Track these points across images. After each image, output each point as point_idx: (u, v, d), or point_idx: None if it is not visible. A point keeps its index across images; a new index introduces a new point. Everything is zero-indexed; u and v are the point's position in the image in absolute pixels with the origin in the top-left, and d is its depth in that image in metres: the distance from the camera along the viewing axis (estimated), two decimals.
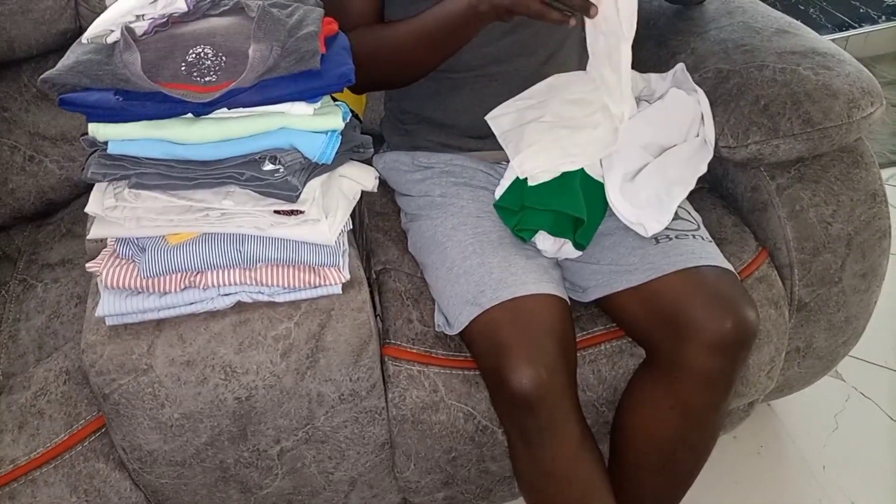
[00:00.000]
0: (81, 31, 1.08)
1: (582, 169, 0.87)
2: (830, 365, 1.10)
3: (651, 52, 1.10)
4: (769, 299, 0.93)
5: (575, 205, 0.84)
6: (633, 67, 0.93)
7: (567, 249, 0.87)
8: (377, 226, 1.04)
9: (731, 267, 0.84)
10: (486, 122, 0.96)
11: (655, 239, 0.85)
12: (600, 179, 0.87)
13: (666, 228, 0.85)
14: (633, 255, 0.85)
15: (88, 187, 1.13)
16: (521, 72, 0.94)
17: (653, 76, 0.99)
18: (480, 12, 0.80)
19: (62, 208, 1.13)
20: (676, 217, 0.86)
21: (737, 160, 0.95)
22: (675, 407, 0.83)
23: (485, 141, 0.98)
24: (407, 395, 0.87)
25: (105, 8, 1.03)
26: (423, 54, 0.89)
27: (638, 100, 0.96)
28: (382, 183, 1.04)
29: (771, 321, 0.92)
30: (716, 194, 1.05)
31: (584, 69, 0.92)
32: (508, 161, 0.95)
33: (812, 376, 1.11)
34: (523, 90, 0.94)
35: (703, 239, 0.86)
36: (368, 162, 0.90)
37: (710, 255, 0.84)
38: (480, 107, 0.96)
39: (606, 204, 0.87)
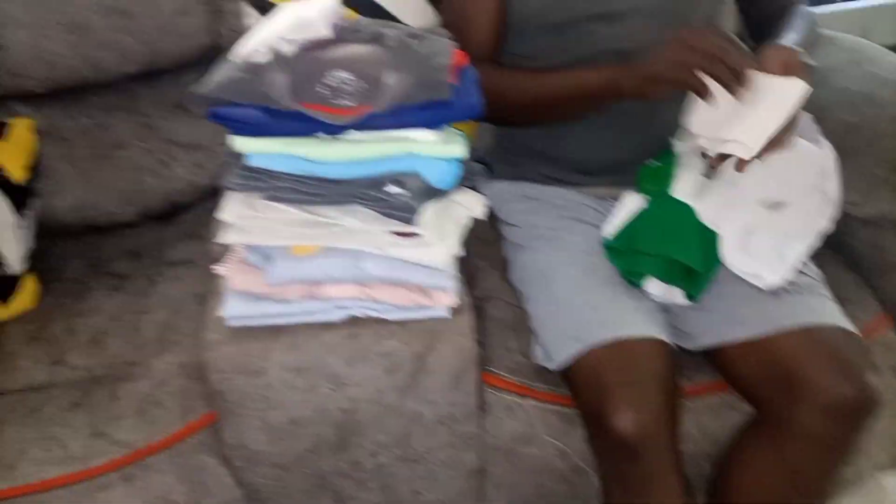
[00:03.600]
0: (220, 46, 1.16)
1: (697, 216, 0.85)
2: None
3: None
4: (889, 366, 0.88)
5: (688, 253, 0.82)
6: None
7: (677, 295, 0.86)
8: (479, 252, 1.05)
9: (854, 328, 0.80)
10: (595, 157, 0.96)
11: (773, 292, 0.82)
12: (716, 229, 0.86)
13: (785, 282, 0.82)
14: (747, 306, 0.82)
15: (212, 193, 1.21)
16: (634, 108, 0.94)
17: None
18: (620, 88, 0.81)
19: (186, 210, 1.20)
20: (796, 272, 0.83)
21: (860, 217, 0.91)
22: (783, 470, 0.79)
23: (593, 177, 0.98)
24: (503, 424, 0.87)
25: (244, 27, 1.11)
26: (549, 111, 0.91)
27: None
28: (488, 211, 1.05)
29: (891, 390, 0.87)
30: (836, 250, 1.00)
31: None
32: (616, 198, 0.95)
33: None
34: (636, 127, 0.94)
35: (823, 295, 0.83)
36: (475, 189, 0.92)
37: (832, 313, 0.80)
38: (592, 142, 0.96)
39: None
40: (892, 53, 1.07)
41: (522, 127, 0.99)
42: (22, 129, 1.12)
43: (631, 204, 0.89)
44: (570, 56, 0.92)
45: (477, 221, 1.04)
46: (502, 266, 1.02)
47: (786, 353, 0.78)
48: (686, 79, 0.76)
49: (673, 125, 0.94)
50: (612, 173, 0.97)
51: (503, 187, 1.04)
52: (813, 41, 0.87)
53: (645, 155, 0.94)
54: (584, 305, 0.84)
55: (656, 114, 0.94)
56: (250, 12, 1.07)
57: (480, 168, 0.97)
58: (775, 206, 0.86)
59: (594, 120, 0.95)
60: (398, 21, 1.10)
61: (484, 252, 1.05)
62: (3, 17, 1.03)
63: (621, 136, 0.94)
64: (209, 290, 1.01)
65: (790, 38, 0.86)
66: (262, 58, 0.75)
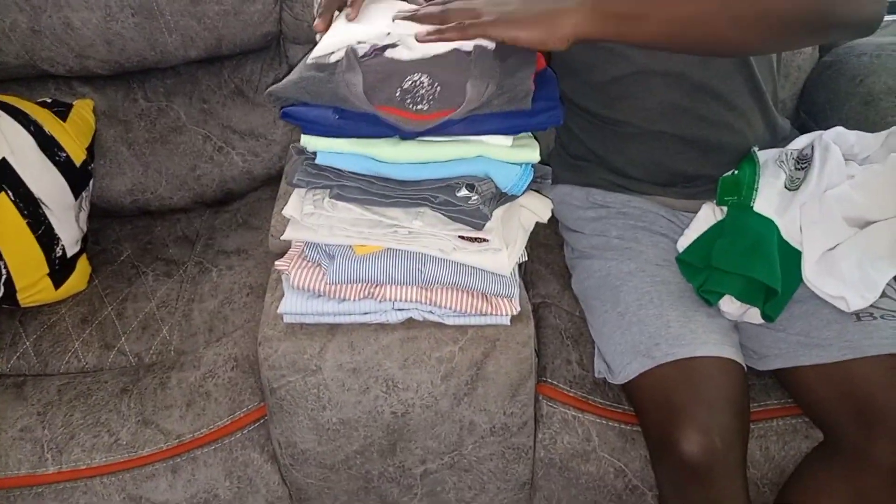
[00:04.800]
0: (282, 34, 1.15)
1: (779, 232, 0.81)
2: None
3: (856, 111, 1.02)
4: None
5: (770, 273, 0.78)
6: (831, 125, 0.88)
7: (752, 314, 0.82)
8: (539, 257, 1.02)
9: None
10: (661, 170, 0.93)
11: (857, 315, 0.78)
12: (798, 247, 0.81)
13: (870, 306, 0.78)
14: (827, 328, 0.78)
15: (265, 181, 1.21)
16: (683, 131, 0.90)
17: (862, 135, 0.92)
18: None
19: (239, 198, 1.19)
20: (883, 295, 0.79)
21: None
22: (851, 501, 0.75)
23: (665, 188, 0.95)
24: (558, 438, 0.84)
25: (309, 16, 1.09)
26: None
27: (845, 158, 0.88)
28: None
29: None
30: None
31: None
32: (690, 209, 0.91)
33: None
34: (688, 148, 0.91)
35: None
36: (539, 192, 0.89)
37: None
38: (650, 159, 0.93)
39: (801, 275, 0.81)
40: None
41: None
42: (84, 110, 1.12)
43: (708, 216, 0.85)
44: (607, 75, 0.90)
45: (538, 225, 1.02)
46: (563, 272, 0.99)
47: (866, 382, 0.74)
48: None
49: (746, 134, 0.90)
50: (683, 184, 0.94)
51: (569, 191, 1.00)
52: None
53: (718, 165, 0.90)
54: (654, 320, 0.81)
55: (705, 137, 0.90)
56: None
57: (549, 170, 0.94)
58: (863, 224, 0.82)
59: (650, 138, 0.92)
60: None
61: (544, 257, 1.02)
62: (75, 0, 1.03)
63: (688, 145, 0.91)
64: (261, 281, 1.00)
65: None
66: (337, 58, 0.73)
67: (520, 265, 0.98)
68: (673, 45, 0.70)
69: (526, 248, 1.03)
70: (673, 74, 0.87)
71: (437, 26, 0.71)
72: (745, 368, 0.80)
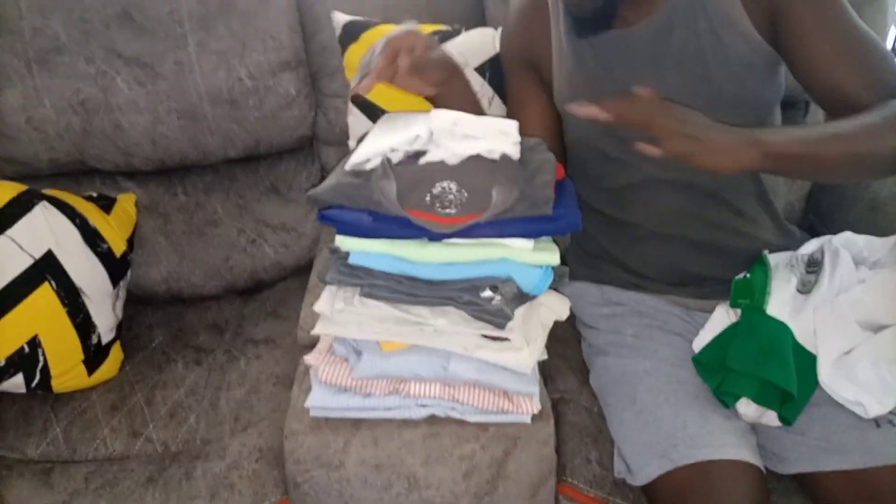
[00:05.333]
0: (316, 137, 1.23)
1: (793, 335, 0.83)
2: None
3: (862, 215, 1.06)
4: None
5: (785, 376, 0.80)
6: (838, 229, 0.91)
7: (770, 416, 0.83)
8: (557, 352, 1.04)
9: None
10: (674, 271, 0.96)
11: (876, 422, 0.79)
12: (813, 351, 0.83)
13: (889, 413, 0.79)
14: (847, 434, 0.79)
15: (295, 272, 1.25)
16: (693, 235, 0.94)
17: (871, 239, 0.95)
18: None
19: (269, 288, 1.24)
20: None
21: None
22: None
23: (678, 288, 0.98)
24: None
25: (343, 122, 1.17)
26: None
27: (854, 262, 0.91)
28: None
29: None
30: None
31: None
32: (704, 310, 0.94)
33: None
34: (699, 251, 0.94)
35: None
36: (558, 289, 0.93)
37: None
38: (663, 261, 0.96)
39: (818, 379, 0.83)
40: None
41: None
42: (127, 204, 1.19)
43: (722, 318, 0.88)
44: (621, 181, 0.94)
45: (556, 321, 1.05)
46: (581, 367, 1.01)
47: (889, 490, 0.74)
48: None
49: (756, 238, 0.93)
50: (695, 285, 0.97)
51: (584, 288, 1.04)
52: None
53: (730, 268, 0.93)
54: (671, 420, 0.82)
55: (715, 241, 0.94)
56: (356, 112, 1.13)
57: (566, 270, 0.98)
58: (876, 328, 0.83)
59: (662, 241, 0.95)
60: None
61: (562, 352, 1.04)
62: (126, 104, 1.11)
63: (699, 248, 0.94)
64: (287, 371, 1.02)
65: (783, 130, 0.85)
66: (373, 165, 0.79)
67: (540, 362, 1.00)
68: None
69: (545, 345, 1.06)
70: (681, 182, 0.91)
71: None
72: (765, 471, 0.81)
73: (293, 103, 1.16)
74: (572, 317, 1.07)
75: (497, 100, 1.09)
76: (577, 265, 1.08)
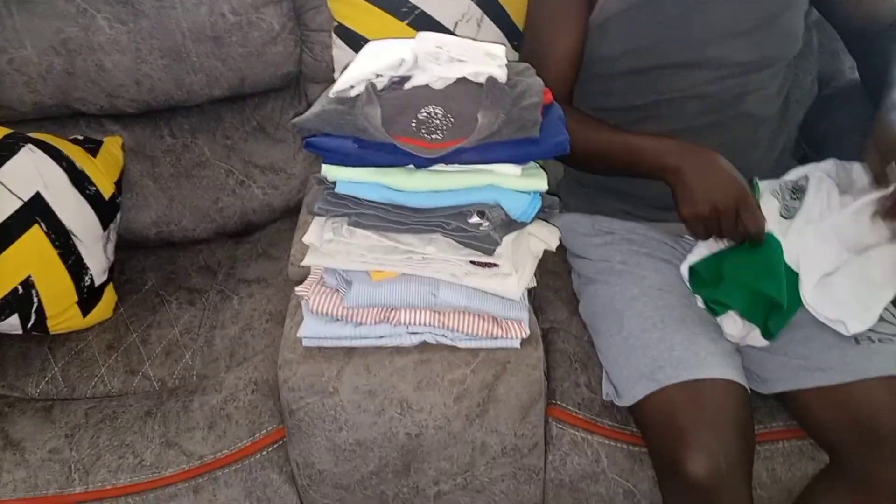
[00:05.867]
0: (302, 74, 1.21)
1: (783, 252, 0.84)
2: None
3: (855, 143, 1.05)
4: None
5: (777, 287, 0.81)
6: (820, 157, 0.92)
7: (754, 337, 0.84)
8: (548, 284, 1.05)
9: None
10: (667, 194, 0.96)
11: (856, 339, 0.80)
12: (797, 270, 0.84)
13: (868, 330, 0.80)
14: (828, 352, 0.80)
15: (284, 213, 1.25)
16: (712, 144, 0.93)
17: (856, 166, 0.95)
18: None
19: (259, 230, 1.24)
20: (881, 319, 0.81)
21: None
22: None
23: (670, 212, 0.97)
24: (568, 460, 0.86)
25: (330, 57, 1.15)
26: (601, 165, 0.92)
27: (843, 189, 0.92)
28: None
29: None
30: None
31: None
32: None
33: None
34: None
35: None
36: (549, 220, 0.93)
37: None
38: (658, 184, 0.96)
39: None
40: None
41: (582, 171, 1.01)
42: (113, 146, 1.18)
43: (710, 244, 0.88)
44: (647, 99, 0.93)
45: (546, 253, 1.05)
46: (571, 298, 1.02)
47: (867, 404, 0.76)
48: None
49: (751, 164, 0.93)
50: None
51: (576, 219, 1.04)
52: None
53: None
54: (658, 343, 0.83)
55: (735, 152, 0.93)
56: (340, 45, 1.11)
57: (557, 200, 0.98)
58: (860, 249, 0.84)
59: None
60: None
61: (553, 284, 1.05)
62: (108, 43, 1.09)
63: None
64: (280, 308, 1.04)
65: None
66: (357, 91, 0.78)
67: (529, 291, 1.01)
68: None
69: (535, 274, 1.07)
70: (710, 98, 0.91)
71: None
72: (749, 391, 0.82)
73: (277, 39, 1.14)
74: (563, 250, 1.07)
75: (487, 21, 1.07)
76: (570, 197, 1.08)
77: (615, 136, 0.88)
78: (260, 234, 1.23)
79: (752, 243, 0.81)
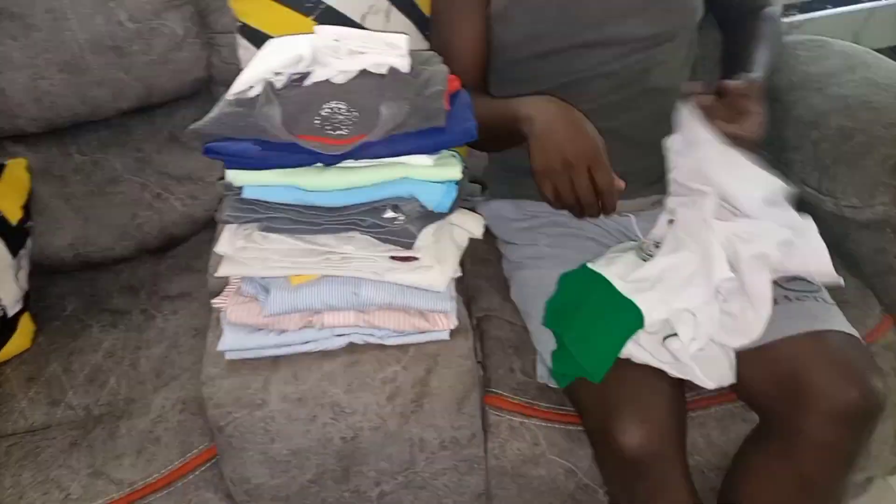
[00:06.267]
0: (212, 79, 1.17)
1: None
2: None
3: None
4: (895, 368, 0.88)
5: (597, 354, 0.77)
6: None
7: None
8: (479, 272, 1.05)
9: (856, 333, 0.80)
10: None
11: (774, 300, 0.82)
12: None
13: (786, 289, 0.82)
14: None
15: (208, 224, 1.21)
16: (621, 131, 0.93)
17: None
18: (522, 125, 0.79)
19: (182, 243, 1.20)
20: (797, 278, 0.83)
21: (861, 220, 0.91)
22: (792, 478, 0.78)
23: None
24: (507, 446, 0.86)
25: (239, 59, 1.11)
26: (495, 136, 0.87)
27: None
28: (485, 230, 1.05)
29: None
30: (837, 255, 1.00)
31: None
32: (619, 214, 0.94)
33: None
34: (624, 146, 0.93)
35: (825, 301, 0.82)
36: (472, 209, 0.92)
37: (834, 319, 0.80)
38: None
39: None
40: (885, 58, 1.07)
41: (486, 150, 1.01)
42: (17, 169, 1.12)
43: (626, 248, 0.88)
44: (556, 82, 0.93)
45: (476, 242, 1.05)
46: (503, 285, 1.01)
47: (790, 361, 0.78)
48: (545, 191, 0.76)
49: (665, 137, 0.94)
50: None
51: (501, 206, 1.04)
52: (778, 51, 0.96)
53: (646, 169, 0.94)
54: None
55: (647, 127, 0.94)
56: (245, 45, 1.08)
57: (477, 188, 0.97)
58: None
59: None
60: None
61: (484, 272, 1.05)
62: (1, 62, 1.04)
63: (625, 142, 0.94)
64: (206, 323, 1.00)
65: (755, 65, 0.91)
66: (256, 92, 0.75)
67: (459, 281, 1.00)
68: None
69: (462, 263, 1.06)
70: (618, 75, 0.91)
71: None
72: None
73: (183, 44, 1.10)
74: (493, 237, 1.07)
75: (395, 12, 1.05)
76: (495, 183, 1.08)
77: (493, 103, 0.87)
78: (183, 248, 1.19)
79: (605, 214, 0.76)
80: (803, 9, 1.94)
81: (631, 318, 0.77)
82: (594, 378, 0.76)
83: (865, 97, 0.96)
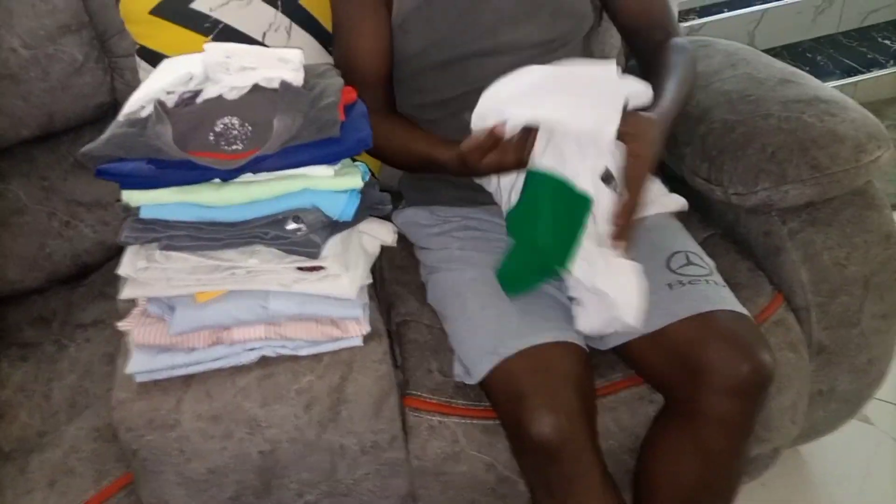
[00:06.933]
0: (116, 103, 1.15)
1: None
2: (856, 408, 1.08)
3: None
4: (787, 343, 0.93)
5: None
6: None
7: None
8: (397, 279, 1.06)
9: (745, 311, 0.85)
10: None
11: (668, 285, 0.86)
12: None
13: (679, 274, 0.86)
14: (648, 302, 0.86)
15: (121, 250, 1.18)
16: None
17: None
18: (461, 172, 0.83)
19: (95, 270, 1.17)
20: (689, 263, 0.88)
21: (748, 206, 0.97)
22: (696, 452, 0.82)
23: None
24: (428, 446, 0.87)
25: (139, 82, 1.10)
26: (408, 166, 1.00)
27: None
28: (402, 238, 1.06)
29: (791, 365, 0.92)
30: (729, 240, 1.06)
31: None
32: None
33: (838, 420, 1.09)
34: None
35: (716, 283, 0.87)
36: (387, 218, 0.94)
37: (723, 299, 0.85)
38: None
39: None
40: (763, 54, 1.15)
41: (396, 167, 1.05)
42: None
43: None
44: (457, 90, 0.96)
45: (394, 249, 1.06)
46: (420, 290, 1.03)
47: (683, 342, 0.82)
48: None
49: None
50: None
51: (415, 213, 1.06)
52: (691, 81, 0.93)
53: None
54: (496, 319, 0.86)
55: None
56: (146, 67, 1.07)
57: (387, 196, 0.99)
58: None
59: None
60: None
61: (402, 278, 1.06)
62: None
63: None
64: (119, 348, 0.98)
65: (661, 99, 0.88)
66: (148, 112, 0.76)
67: (378, 288, 1.02)
68: None
69: (381, 271, 1.08)
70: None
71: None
72: (587, 349, 0.87)
73: (83, 69, 1.08)
74: (410, 244, 1.09)
75: (296, 28, 1.06)
76: (410, 191, 1.10)
77: (415, 140, 0.92)
78: (97, 275, 1.16)
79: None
80: (702, 13, 2.06)
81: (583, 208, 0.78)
82: (569, 266, 0.78)
83: (745, 91, 1.03)
